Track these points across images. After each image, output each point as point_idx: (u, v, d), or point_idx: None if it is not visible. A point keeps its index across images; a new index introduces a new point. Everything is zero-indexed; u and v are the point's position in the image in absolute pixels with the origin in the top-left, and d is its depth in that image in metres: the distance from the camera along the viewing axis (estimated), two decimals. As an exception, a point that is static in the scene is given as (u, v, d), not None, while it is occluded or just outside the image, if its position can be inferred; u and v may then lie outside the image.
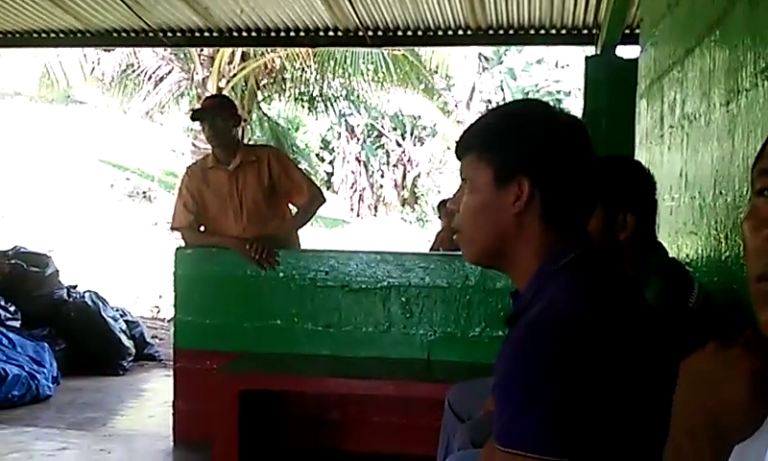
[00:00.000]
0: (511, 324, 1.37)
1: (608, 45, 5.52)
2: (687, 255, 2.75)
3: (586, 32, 5.92)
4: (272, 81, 12.89)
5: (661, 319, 1.46)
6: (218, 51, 11.13)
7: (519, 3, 5.48)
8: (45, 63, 11.73)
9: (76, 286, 6.48)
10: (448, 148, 25.15)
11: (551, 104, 1.47)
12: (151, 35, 6.33)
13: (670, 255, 2.26)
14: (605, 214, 1.95)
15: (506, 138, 1.37)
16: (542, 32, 5.99)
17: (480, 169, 1.38)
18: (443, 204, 7.34)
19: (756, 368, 0.79)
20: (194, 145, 11.84)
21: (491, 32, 6.03)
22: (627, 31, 5.59)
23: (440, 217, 7.37)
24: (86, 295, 6.30)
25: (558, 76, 24.32)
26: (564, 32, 5.97)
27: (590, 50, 6.04)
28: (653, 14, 3.89)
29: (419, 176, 27.35)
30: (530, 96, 19.47)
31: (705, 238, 2.50)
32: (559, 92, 23.53)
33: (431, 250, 6.89)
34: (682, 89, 3.03)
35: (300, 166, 5.07)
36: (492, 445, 1.24)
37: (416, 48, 11.34)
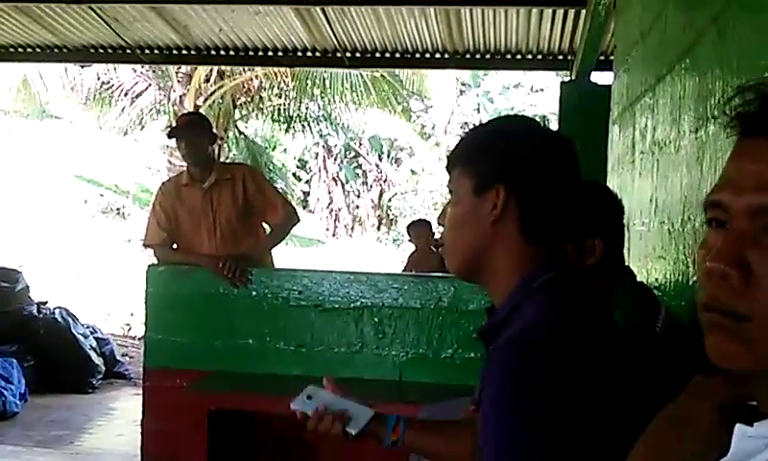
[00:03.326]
0: (483, 337, 1.38)
1: (582, 71, 5.60)
2: (656, 280, 2.78)
3: (561, 57, 6.01)
4: (249, 99, 12.89)
5: (628, 343, 1.47)
6: (195, 69, 11.11)
7: (496, 28, 5.55)
8: (20, 77, 11.66)
9: (46, 302, 6.41)
10: (424, 170, 25.29)
11: (538, 121, 1.50)
12: (129, 51, 6.33)
13: (639, 280, 2.29)
14: (573, 239, 1.96)
15: (487, 149, 1.39)
16: (519, 57, 6.07)
17: (462, 181, 1.40)
18: (412, 225, 7.19)
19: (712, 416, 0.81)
20: (170, 162, 11.77)
21: (467, 56, 6.10)
22: (602, 57, 5.67)
23: (410, 239, 7.30)
24: (57, 311, 6.23)
25: (534, 100, 24.55)
26: (539, 57, 6.06)
27: (566, 75, 6.12)
28: (626, 42, 3.95)
29: (395, 197, 27.41)
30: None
31: (673, 263, 2.53)
32: (535, 116, 23.72)
33: (403, 271, 6.83)
34: (653, 116, 3.08)
35: (275, 185, 5.07)
36: None
37: (395, 70, 11.41)
